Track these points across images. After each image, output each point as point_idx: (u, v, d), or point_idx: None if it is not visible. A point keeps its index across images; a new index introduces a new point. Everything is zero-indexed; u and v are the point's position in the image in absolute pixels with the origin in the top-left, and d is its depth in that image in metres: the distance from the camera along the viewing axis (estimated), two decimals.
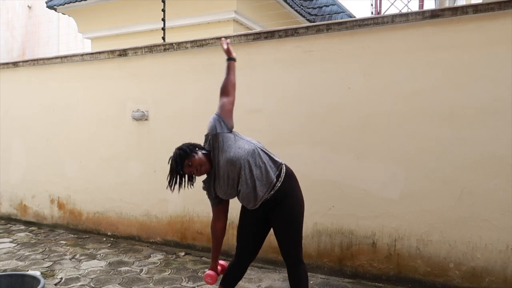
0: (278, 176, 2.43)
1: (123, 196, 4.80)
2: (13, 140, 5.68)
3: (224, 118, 2.46)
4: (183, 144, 2.52)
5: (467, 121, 3.21)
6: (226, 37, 2.65)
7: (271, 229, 2.57)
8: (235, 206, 2.66)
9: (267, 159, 2.43)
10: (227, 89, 2.57)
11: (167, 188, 2.49)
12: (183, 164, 2.42)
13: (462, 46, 3.23)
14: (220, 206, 2.57)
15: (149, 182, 4.62)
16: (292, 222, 2.45)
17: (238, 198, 2.51)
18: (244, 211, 2.60)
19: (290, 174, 2.50)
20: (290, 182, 2.47)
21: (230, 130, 2.46)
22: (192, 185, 2.50)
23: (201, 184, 2.59)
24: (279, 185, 2.41)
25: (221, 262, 2.66)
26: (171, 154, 2.53)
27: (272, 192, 2.40)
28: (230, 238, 3.74)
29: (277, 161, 2.47)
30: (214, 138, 2.43)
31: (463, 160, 3.23)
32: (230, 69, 2.61)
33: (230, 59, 2.61)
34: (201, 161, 2.41)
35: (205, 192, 2.60)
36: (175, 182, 2.47)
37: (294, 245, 2.47)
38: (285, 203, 2.44)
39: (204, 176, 2.55)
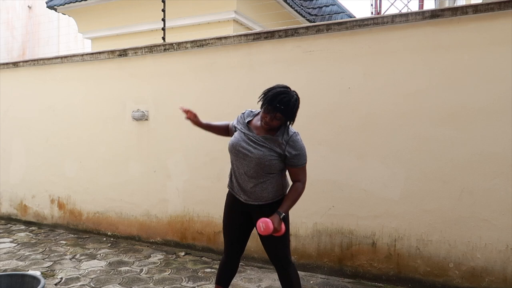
0: (275, 201, 2.44)
1: (123, 196, 4.80)
2: (13, 140, 5.68)
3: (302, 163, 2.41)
4: (297, 106, 2.31)
5: (467, 121, 3.22)
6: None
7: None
8: None
9: (281, 188, 2.47)
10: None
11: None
12: (276, 112, 2.25)
13: (462, 46, 3.24)
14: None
15: (149, 182, 4.62)
16: None
17: (233, 166, 2.49)
18: (228, 207, 2.59)
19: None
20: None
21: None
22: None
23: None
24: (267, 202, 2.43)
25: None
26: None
27: (259, 203, 2.42)
28: None
29: (284, 192, 2.49)
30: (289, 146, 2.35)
31: (463, 160, 3.23)
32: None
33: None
34: (277, 125, 2.32)
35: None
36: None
37: (282, 249, 2.47)
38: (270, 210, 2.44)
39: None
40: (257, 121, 2.44)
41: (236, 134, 2.47)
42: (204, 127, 2.69)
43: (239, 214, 2.53)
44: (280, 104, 2.22)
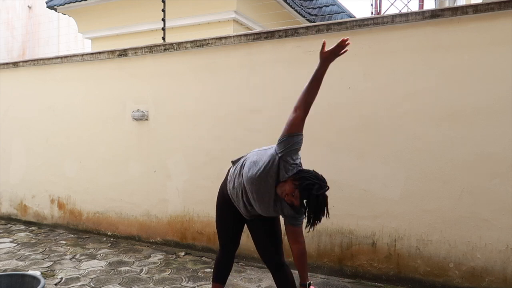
0: None
1: (123, 196, 4.80)
2: (13, 140, 5.68)
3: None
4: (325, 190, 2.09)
5: (467, 121, 3.22)
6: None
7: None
8: None
9: None
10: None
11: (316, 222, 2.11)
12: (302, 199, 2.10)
13: (462, 46, 3.24)
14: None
15: (149, 182, 4.62)
16: (271, 229, 2.47)
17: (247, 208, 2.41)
18: (221, 206, 2.58)
19: None
20: None
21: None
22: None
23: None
24: None
25: None
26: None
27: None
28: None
29: None
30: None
31: (463, 160, 3.23)
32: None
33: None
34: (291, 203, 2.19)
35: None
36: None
37: (274, 252, 2.47)
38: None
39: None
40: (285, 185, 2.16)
41: (266, 170, 2.17)
42: (316, 78, 2.22)
43: (232, 213, 2.52)
44: (309, 198, 2.05)
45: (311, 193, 2.04)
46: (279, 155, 2.14)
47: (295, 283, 2.48)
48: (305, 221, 2.18)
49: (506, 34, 3.10)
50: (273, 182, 2.20)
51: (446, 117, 3.28)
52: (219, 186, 2.64)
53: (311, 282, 2.37)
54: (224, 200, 2.56)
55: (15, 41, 11.41)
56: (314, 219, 2.08)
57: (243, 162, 2.42)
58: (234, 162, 2.54)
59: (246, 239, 2.84)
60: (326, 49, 2.07)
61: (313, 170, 2.20)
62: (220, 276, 2.62)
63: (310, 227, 2.09)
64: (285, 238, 2.46)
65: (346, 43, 2.07)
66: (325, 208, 2.09)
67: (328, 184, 2.15)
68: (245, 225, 2.60)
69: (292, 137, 2.11)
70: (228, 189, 2.51)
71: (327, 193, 2.11)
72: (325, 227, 3.70)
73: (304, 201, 2.07)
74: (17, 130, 5.65)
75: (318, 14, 8.81)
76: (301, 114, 2.12)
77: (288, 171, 2.14)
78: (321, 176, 2.16)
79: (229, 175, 2.54)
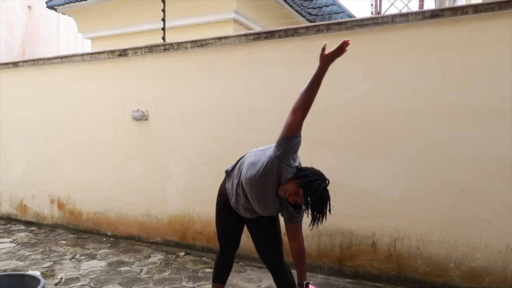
0: None
1: (123, 196, 4.80)
2: (13, 140, 5.68)
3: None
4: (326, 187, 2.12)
5: (467, 121, 3.21)
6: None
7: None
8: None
9: None
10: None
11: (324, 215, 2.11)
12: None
13: (462, 46, 3.24)
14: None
15: (149, 182, 4.62)
16: (271, 230, 2.46)
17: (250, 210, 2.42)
18: (220, 207, 2.58)
19: None
20: None
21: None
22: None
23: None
24: None
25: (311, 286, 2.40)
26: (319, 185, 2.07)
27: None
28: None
29: None
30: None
31: (463, 160, 3.23)
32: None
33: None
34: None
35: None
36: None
37: (273, 253, 2.46)
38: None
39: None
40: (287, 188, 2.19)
41: (265, 172, 2.18)
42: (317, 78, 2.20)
43: (232, 214, 2.52)
44: (313, 195, 2.07)
45: (315, 190, 2.05)
46: (279, 157, 2.14)
47: (295, 284, 2.48)
48: (307, 218, 2.17)
49: (506, 34, 3.10)
50: (272, 183, 2.21)
51: (446, 117, 3.28)
52: (219, 187, 2.64)
53: (310, 282, 2.36)
54: (223, 201, 2.55)
55: (15, 41, 11.41)
56: (319, 214, 2.08)
57: (241, 163, 2.42)
58: (229, 172, 2.51)
59: (246, 239, 2.84)
60: (327, 51, 2.04)
61: (311, 167, 2.21)
62: (220, 276, 2.63)
63: (315, 224, 2.09)
64: (285, 238, 2.46)
65: (347, 44, 2.04)
66: (328, 203, 2.10)
67: (328, 184, 2.15)
68: (245, 225, 2.60)
69: (291, 139, 2.10)
70: (227, 189, 2.51)
71: (328, 188, 2.13)
72: (325, 227, 3.70)
73: (308, 198, 2.08)
74: (17, 130, 5.65)
75: (318, 14, 8.81)
76: (299, 116, 2.11)
77: (288, 172, 2.16)
78: (319, 171, 2.19)
79: (227, 176, 2.54)
